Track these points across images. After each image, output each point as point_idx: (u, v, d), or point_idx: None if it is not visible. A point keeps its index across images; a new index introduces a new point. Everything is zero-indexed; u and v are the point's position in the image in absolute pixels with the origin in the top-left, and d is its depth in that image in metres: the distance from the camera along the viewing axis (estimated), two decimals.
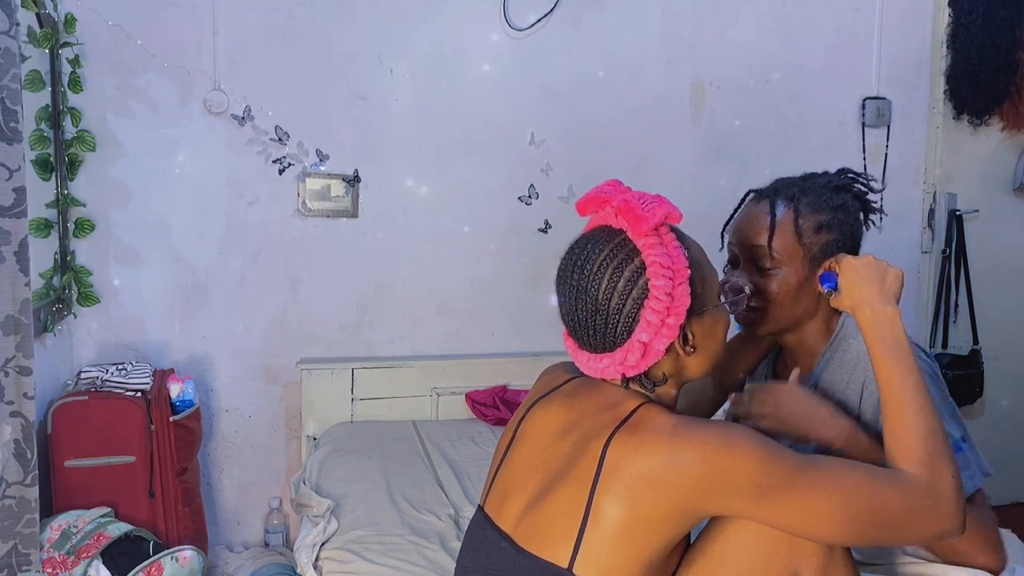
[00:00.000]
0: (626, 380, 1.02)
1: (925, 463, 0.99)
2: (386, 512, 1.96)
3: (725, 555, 0.98)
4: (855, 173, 1.32)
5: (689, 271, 0.99)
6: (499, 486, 1.09)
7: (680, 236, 1.03)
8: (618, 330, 0.98)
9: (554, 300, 1.06)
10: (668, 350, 1.01)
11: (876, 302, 1.12)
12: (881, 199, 1.34)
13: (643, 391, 1.03)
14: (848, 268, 1.17)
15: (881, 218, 1.35)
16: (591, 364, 1.03)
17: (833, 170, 1.36)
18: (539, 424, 1.08)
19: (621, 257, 0.99)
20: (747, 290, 1.17)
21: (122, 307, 2.53)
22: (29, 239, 1.72)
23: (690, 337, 1.02)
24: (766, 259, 1.25)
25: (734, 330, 1.26)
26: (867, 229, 1.33)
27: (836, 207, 1.27)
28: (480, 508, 1.13)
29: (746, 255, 1.29)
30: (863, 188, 1.32)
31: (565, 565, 0.94)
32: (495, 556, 1.03)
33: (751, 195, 1.35)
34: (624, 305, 0.97)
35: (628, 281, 0.98)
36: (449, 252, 2.81)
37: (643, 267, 0.98)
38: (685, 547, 1.03)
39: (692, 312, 1.00)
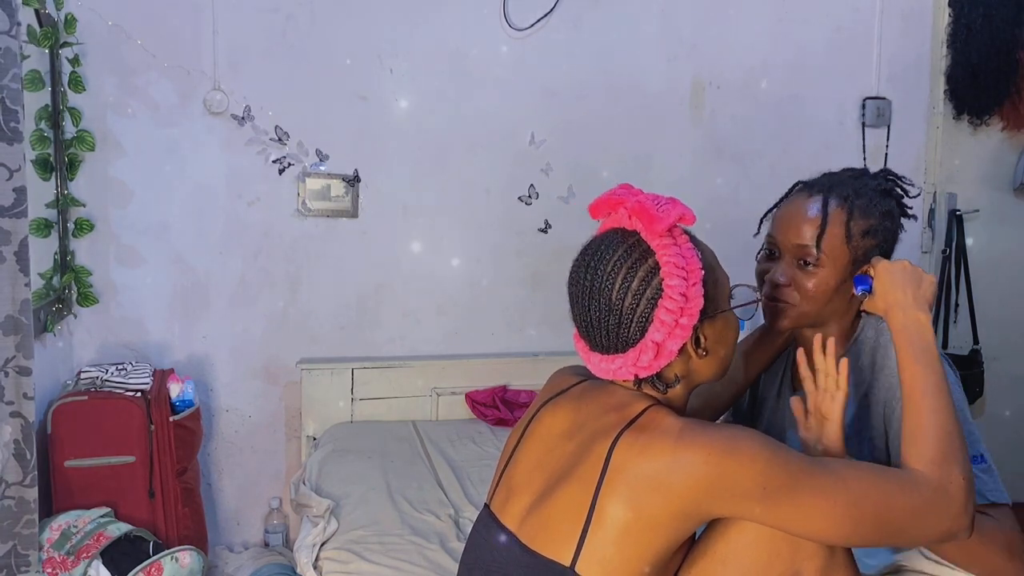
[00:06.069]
0: (639, 381, 1.02)
1: (937, 463, 0.99)
2: (386, 512, 1.96)
3: (726, 556, 0.98)
4: (896, 176, 1.29)
5: (703, 272, 0.99)
6: (505, 485, 1.10)
7: (693, 239, 1.04)
8: (632, 330, 0.98)
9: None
10: (680, 352, 1.00)
11: (909, 307, 1.12)
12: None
13: (655, 393, 1.03)
14: (884, 272, 1.17)
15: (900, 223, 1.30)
16: (603, 366, 1.03)
17: (837, 168, 1.32)
18: (546, 425, 1.09)
19: (635, 257, 0.99)
20: (756, 296, 1.16)
21: (122, 307, 2.53)
22: (29, 239, 1.72)
23: (702, 340, 1.02)
24: (810, 256, 1.22)
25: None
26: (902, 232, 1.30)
27: (884, 213, 1.24)
28: (486, 506, 1.13)
29: (789, 249, 1.25)
30: (902, 192, 1.29)
31: (568, 564, 0.94)
32: (499, 553, 1.04)
33: (799, 186, 1.30)
34: (638, 304, 0.98)
35: (642, 281, 0.98)
36: (449, 252, 2.80)
37: (657, 267, 0.98)
38: (689, 547, 1.03)
39: (705, 314, 1.00)
